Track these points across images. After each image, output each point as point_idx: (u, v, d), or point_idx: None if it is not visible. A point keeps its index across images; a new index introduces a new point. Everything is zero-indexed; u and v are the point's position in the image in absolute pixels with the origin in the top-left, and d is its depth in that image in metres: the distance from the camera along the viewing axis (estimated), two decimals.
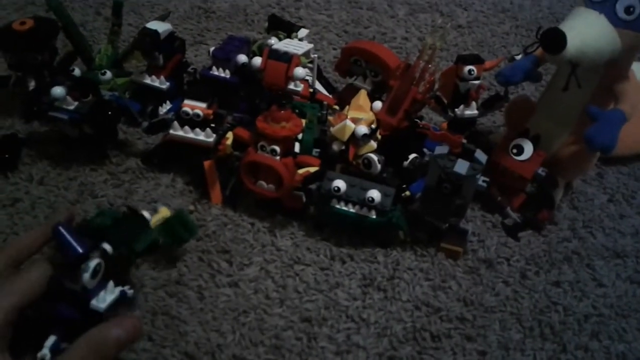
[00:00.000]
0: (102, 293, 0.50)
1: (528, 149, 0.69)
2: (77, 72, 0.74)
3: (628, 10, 0.61)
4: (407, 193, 0.68)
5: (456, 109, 0.75)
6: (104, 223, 0.54)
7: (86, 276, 0.47)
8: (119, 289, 0.51)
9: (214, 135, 0.68)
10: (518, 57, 0.86)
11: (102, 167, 0.73)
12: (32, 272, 0.49)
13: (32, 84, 0.74)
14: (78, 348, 0.46)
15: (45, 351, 0.47)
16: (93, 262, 0.48)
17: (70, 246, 0.47)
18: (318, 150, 0.69)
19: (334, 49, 0.98)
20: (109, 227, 0.53)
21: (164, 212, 0.61)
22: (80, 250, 0.47)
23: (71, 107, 0.69)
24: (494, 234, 0.69)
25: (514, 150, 0.70)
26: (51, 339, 0.48)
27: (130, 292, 0.52)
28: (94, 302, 0.49)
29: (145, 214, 0.58)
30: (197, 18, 1.03)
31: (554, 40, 0.59)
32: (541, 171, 0.69)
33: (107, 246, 0.51)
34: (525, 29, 1.08)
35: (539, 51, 0.69)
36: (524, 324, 0.60)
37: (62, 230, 0.47)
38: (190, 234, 0.61)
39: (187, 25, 1.01)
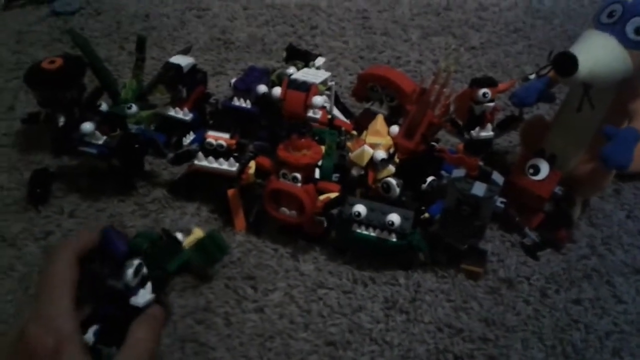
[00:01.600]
0: (141, 291, 0.53)
1: (544, 168, 0.70)
2: (104, 106, 0.77)
3: (638, 31, 0.61)
4: (427, 215, 0.69)
5: (472, 131, 0.76)
6: (141, 245, 0.56)
7: (130, 272, 0.51)
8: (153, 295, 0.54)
9: (237, 164, 0.70)
10: (532, 77, 0.88)
11: (129, 198, 0.75)
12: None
13: (61, 120, 0.77)
14: (136, 329, 0.51)
15: (90, 335, 0.50)
16: (136, 261, 0.52)
17: (116, 245, 0.52)
18: (338, 175, 0.71)
19: (350, 74, 1.00)
20: (145, 249, 0.56)
21: (198, 233, 0.64)
22: (125, 248, 0.52)
23: (100, 142, 0.71)
24: (514, 253, 0.70)
25: (531, 170, 0.71)
26: (94, 327, 0.51)
27: None
28: (133, 298, 0.52)
29: (179, 236, 0.61)
30: (217, 49, 1.06)
31: (565, 63, 0.60)
32: (558, 190, 0.70)
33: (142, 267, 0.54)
34: (538, 48, 1.09)
35: (552, 72, 0.70)
36: (546, 343, 0.61)
37: (111, 232, 0.53)
38: (222, 253, 0.64)
39: (207, 57, 1.03)
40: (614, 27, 0.62)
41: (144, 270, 0.53)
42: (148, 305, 0.53)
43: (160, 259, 0.57)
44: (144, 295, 0.53)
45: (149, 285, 0.54)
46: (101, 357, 0.51)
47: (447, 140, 0.85)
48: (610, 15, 0.63)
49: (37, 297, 0.51)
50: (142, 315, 0.52)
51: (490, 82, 0.75)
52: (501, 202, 0.64)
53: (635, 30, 0.62)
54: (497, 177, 0.63)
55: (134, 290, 0.52)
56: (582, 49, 0.61)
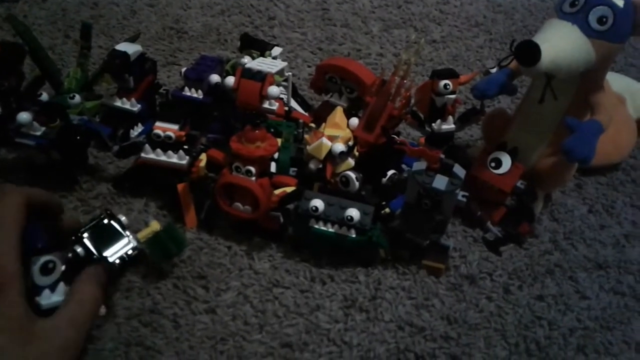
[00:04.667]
0: (47, 291, 0.51)
1: (506, 162, 0.69)
2: (44, 96, 0.72)
3: (601, 20, 0.61)
4: (387, 210, 0.67)
5: (433, 124, 0.75)
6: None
7: (34, 269, 0.50)
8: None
9: (187, 157, 0.66)
10: (493, 70, 0.86)
11: (72, 193, 0.70)
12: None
13: None
14: (82, 286, 0.52)
15: None
16: (43, 258, 0.50)
17: (29, 236, 0.50)
18: (295, 169, 0.68)
19: (309, 66, 0.98)
20: (85, 230, 0.56)
21: (155, 225, 0.61)
22: (37, 244, 0.50)
23: (38, 133, 0.67)
24: (476, 249, 0.69)
25: (492, 164, 0.69)
26: None
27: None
28: (37, 298, 0.50)
29: (122, 218, 0.59)
30: (169, 39, 1.02)
31: (528, 52, 0.59)
32: (520, 184, 0.69)
33: (79, 249, 0.54)
34: (499, 42, 1.09)
35: (514, 64, 0.69)
36: (509, 340, 0.59)
37: (35, 221, 0.51)
38: (179, 247, 0.61)
39: (159, 46, 0.99)
40: (577, 16, 0.61)
41: (58, 270, 0.51)
42: (52, 308, 0.50)
43: (100, 244, 0.55)
44: (49, 297, 0.50)
45: (60, 287, 0.51)
46: (40, 307, 0.50)
47: (408, 133, 0.83)
48: (572, 4, 0.62)
49: None
50: (86, 270, 0.53)
51: (451, 74, 0.74)
52: (463, 196, 0.63)
53: (598, 20, 0.61)
54: (459, 170, 0.61)
55: (38, 289, 0.50)
56: (544, 38, 0.60)
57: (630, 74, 0.99)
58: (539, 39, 0.60)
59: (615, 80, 0.79)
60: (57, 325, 0.48)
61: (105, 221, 0.58)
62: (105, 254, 0.55)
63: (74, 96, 0.73)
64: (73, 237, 0.55)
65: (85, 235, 0.55)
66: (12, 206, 0.50)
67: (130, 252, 0.57)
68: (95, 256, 0.55)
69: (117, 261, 0.56)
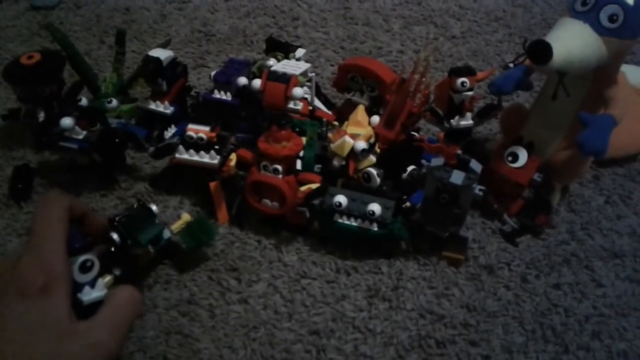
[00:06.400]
0: (87, 288, 0.54)
1: (522, 156, 0.71)
2: (84, 101, 0.76)
3: (611, 18, 0.62)
4: (408, 204, 0.70)
5: (452, 120, 0.77)
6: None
7: (74, 268, 0.52)
8: (105, 291, 0.55)
9: (218, 157, 0.70)
10: (512, 65, 0.88)
11: (112, 192, 0.75)
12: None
13: (41, 115, 0.76)
14: (121, 292, 0.53)
15: None
16: (82, 257, 0.53)
17: (68, 238, 0.52)
18: (319, 166, 0.71)
19: (332, 65, 1.01)
20: (120, 219, 0.60)
21: (186, 217, 0.65)
22: (75, 244, 0.53)
23: (80, 137, 0.71)
24: (494, 240, 0.71)
25: (509, 158, 0.72)
26: None
27: None
28: (79, 294, 0.53)
29: (153, 207, 0.63)
30: (198, 42, 1.06)
31: (539, 51, 0.61)
32: (537, 177, 0.71)
33: (114, 235, 0.58)
34: (518, 37, 1.10)
35: (528, 61, 0.71)
36: (526, 327, 0.62)
37: (72, 224, 0.54)
38: (209, 236, 0.65)
39: (188, 49, 1.03)
40: (588, 15, 0.63)
41: (96, 268, 0.54)
42: (93, 304, 0.53)
43: (133, 230, 0.59)
44: (90, 293, 0.54)
45: (99, 283, 0.54)
46: (82, 303, 0.53)
47: (429, 130, 0.86)
48: (584, 3, 0.64)
49: (32, 234, 0.51)
50: (121, 286, 0.55)
51: (468, 71, 0.76)
52: (480, 190, 0.65)
53: (609, 18, 0.62)
54: (475, 165, 0.64)
55: (79, 286, 0.53)
56: (556, 37, 0.62)
57: None
58: (550, 37, 0.62)
59: (633, 72, 0.80)
60: (91, 327, 0.49)
61: (137, 210, 0.62)
62: (138, 238, 0.59)
63: (111, 100, 0.78)
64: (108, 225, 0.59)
65: (119, 222, 0.59)
66: (59, 210, 0.53)
67: (162, 237, 0.62)
68: (129, 241, 0.59)
69: (150, 246, 0.61)
